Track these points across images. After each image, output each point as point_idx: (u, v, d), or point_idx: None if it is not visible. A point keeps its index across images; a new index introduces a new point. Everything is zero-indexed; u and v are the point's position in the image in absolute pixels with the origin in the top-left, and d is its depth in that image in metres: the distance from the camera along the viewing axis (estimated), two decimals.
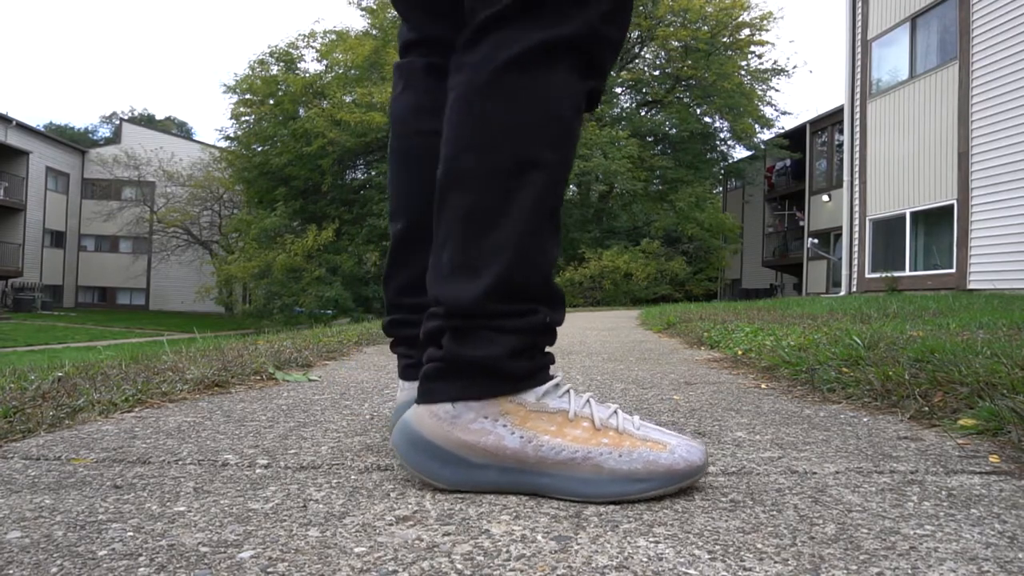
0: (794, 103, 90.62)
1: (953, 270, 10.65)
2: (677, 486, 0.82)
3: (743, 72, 22.64)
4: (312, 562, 0.62)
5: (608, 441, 0.83)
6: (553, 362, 0.90)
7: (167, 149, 33.68)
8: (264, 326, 16.73)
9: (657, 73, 23.71)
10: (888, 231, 12.55)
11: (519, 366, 0.84)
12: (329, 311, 20.21)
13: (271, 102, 23.89)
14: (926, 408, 1.36)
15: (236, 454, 1.05)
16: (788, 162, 23.48)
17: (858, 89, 13.32)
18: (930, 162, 11.40)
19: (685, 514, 0.76)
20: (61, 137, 39.29)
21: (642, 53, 23.87)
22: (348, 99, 22.05)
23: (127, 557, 0.63)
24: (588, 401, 0.87)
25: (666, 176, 22.47)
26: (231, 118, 25.46)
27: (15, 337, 18.04)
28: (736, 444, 1.13)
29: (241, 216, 26.77)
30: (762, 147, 23.99)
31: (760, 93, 22.96)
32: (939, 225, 11.28)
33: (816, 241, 18.97)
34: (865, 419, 1.36)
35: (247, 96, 24.50)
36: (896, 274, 11.92)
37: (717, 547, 0.66)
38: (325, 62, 24.40)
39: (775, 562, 0.63)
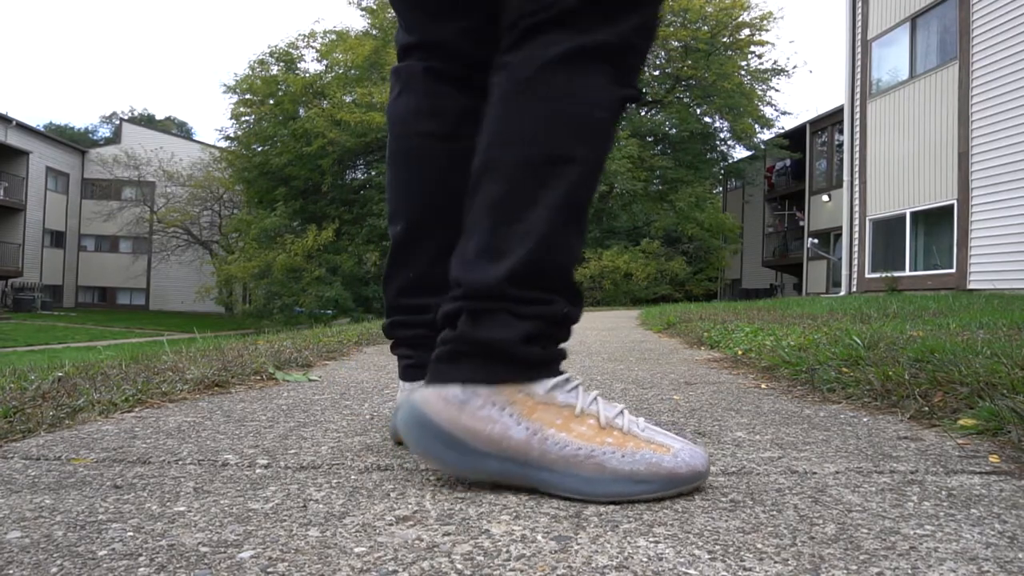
0: (794, 103, 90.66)
1: (953, 270, 10.65)
2: (677, 490, 0.82)
3: (743, 72, 22.63)
4: (312, 562, 0.62)
5: (612, 440, 0.83)
6: (565, 357, 0.90)
7: (167, 149, 33.68)
8: (264, 326, 16.73)
9: (657, 73, 23.69)
10: (888, 231, 12.55)
11: (531, 352, 0.84)
12: (329, 311, 20.21)
13: (271, 102, 23.89)
14: (926, 408, 1.36)
15: (236, 454, 1.05)
16: (788, 162, 23.47)
17: (858, 89, 13.32)
18: (930, 162, 11.40)
19: (685, 514, 0.76)
20: (61, 137, 39.30)
21: None
22: (348, 99, 22.06)
23: (127, 557, 0.63)
24: (596, 399, 0.87)
25: (666, 176, 22.47)
26: (231, 118, 25.48)
27: (15, 337, 18.04)
28: (736, 444, 1.13)
29: (241, 216, 26.77)
30: (762, 147, 23.98)
31: (760, 93, 22.95)
32: (939, 225, 11.28)
33: (816, 241, 18.97)
34: (865, 419, 1.36)
35: (247, 96, 24.49)
36: (896, 274, 11.92)
37: (717, 547, 0.66)
38: (325, 62, 24.40)
39: (775, 562, 0.63)
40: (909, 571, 0.61)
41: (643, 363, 2.68)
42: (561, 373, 0.88)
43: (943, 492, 0.85)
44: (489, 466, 0.83)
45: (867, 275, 12.81)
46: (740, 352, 2.71)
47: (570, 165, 0.85)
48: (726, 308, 7.36)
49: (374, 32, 23.51)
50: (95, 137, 59.57)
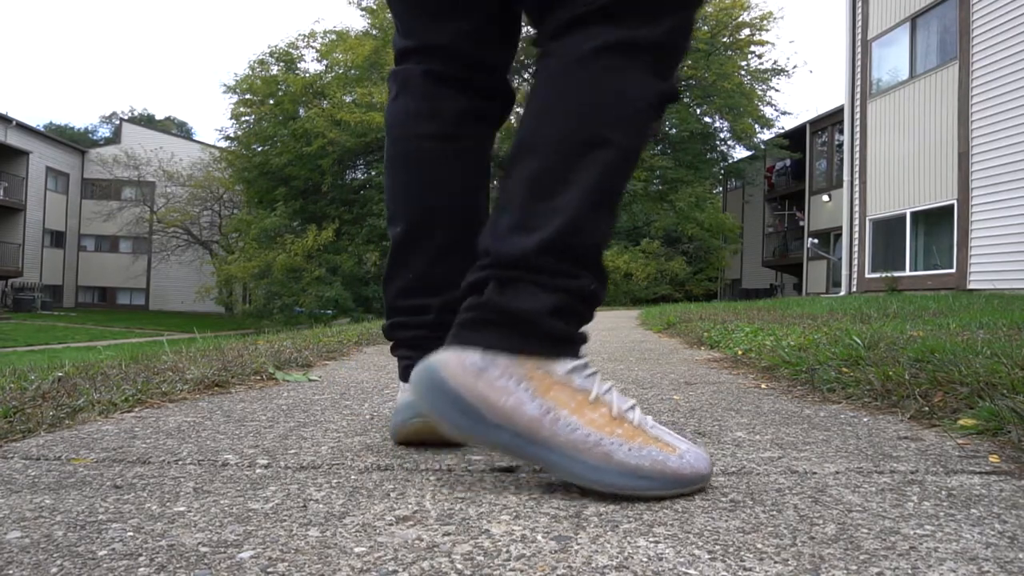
0: (794, 103, 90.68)
1: (953, 270, 10.65)
2: (679, 491, 0.82)
3: (743, 72, 22.61)
4: (312, 562, 0.62)
5: (622, 432, 0.83)
6: (586, 340, 0.90)
7: (167, 149, 33.67)
8: (264, 326, 16.73)
9: None
10: (888, 231, 12.55)
11: (556, 326, 0.85)
12: (329, 311, 20.20)
13: (271, 102, 23.87)
14: (926, 408, 1.36)
15: (236, 454, 1.05)
16: (788, 162, 23.47)
17: (858, 89, 13.32)
18: (930, 162, 11.40)
19: (685, 514, 0.76)
20: (61, 137, 39.30)
21: None
22: (348, 99, 22.04)
23: (127, 557, 0.63)
24: (611, 389, 0.87)
25: (666, 176, 22.46)
26: (231, 118, 25.44)
27: (15, 337, 18.04)
28: (736, 444, 1.13)
29: (241, 216, 26.76)
30: (762, 147, 23.97)
31: (760, 93, 22.93)
32: (939, 225, 11.28)
33: (816, 241, 18.97)
34: (865, 419, 1.36)
35: (247, 96, 24.47)
36: (896, 274, 11.92)
37: (717, 547, 0.66)
38: (325, 62, 24.38)
39: (775, 562, 0.63)
40: (909, 571, 0.61)
41: (643, 363, 2.68)
42: (580, 357, 0.88)
43: (943, 492, 0.85)
44: (498, 437, 0.82)
45: (867, 275, 12.81)
46: (740, 352, 2.71)
47: (607, 149, 0.87)
48: (726, 308, 7.36)
49: (374, 32, 23.49)
50: (95, 137, 59.61)
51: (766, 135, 23.41)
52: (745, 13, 22.20)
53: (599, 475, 0.80)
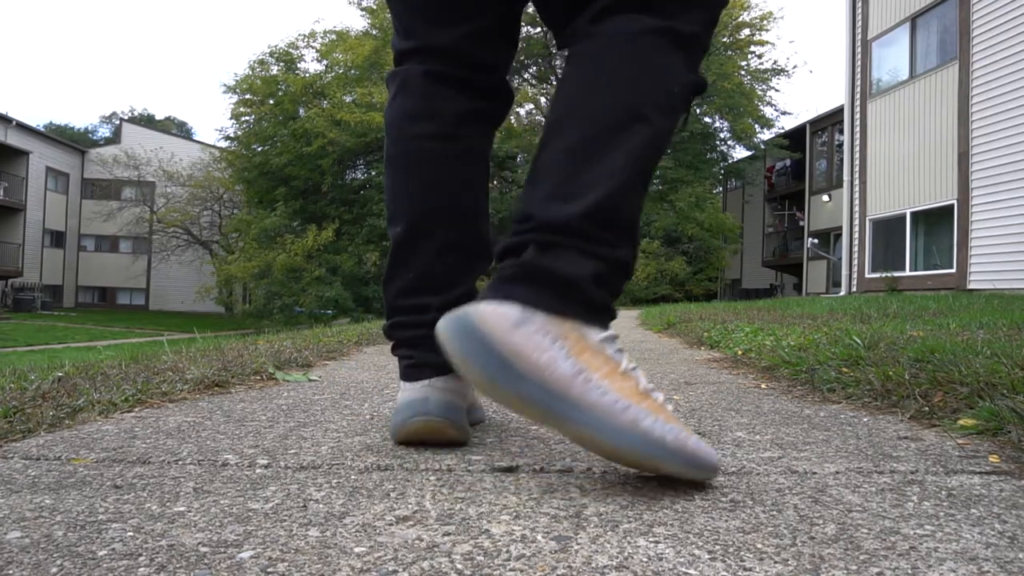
0: (794, 103, 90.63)
1: (953, 270, 10.65)
2: (693, 474, 0.84)
3: (743, 72, 22.61)
4: (312, 562, 0.62)
5: (648, 405, 0.83)
6: (615, 317, 0.91)
7: (167, 149, 33.67)
8: (264, 326, 16.73)
9: None
10: (888, 231, 12.55)
11: (596, 293, 0.86)
12: (329, 311, 20.20)
13: (271, 102, 23.87)
14: (926, 408, 1.36)
15: (236, 454, 1.05)
16: (788, 162, 23.47)
17: (858, 89, 13.32)
18: (930, 162, 11.40)
19: (685, 514, 0.76)
20: (61, 137, 39.30)
21: None
22: (348, 99, 22.05)
23: (127, 557, 0.63)
24: (636, 368, 0.88)
25: (666, 176, 22.45)
26: (231, 118, 25.45)
27: (15, 337, 18.04)
28: (736, 444, 1.13)
29: (241, 216, 26.76)
30: (762, 147, 23.97)
31: (760, 93, 22.94)
32: (939, 225, 11.28)
33: (816, 241, 18.97)
34: (865, 419, 1.36)
35: (247, 96, 24.47)
36: (896, 274, 11.92)
37: (717, 547, 0.66)
38: (325, 62, 24.39)
39: (775, 562, 0.63)
40: (909, 571, 0.61)
41: (643, 363, 2.68)
42: (609, 330, 0.89)
43: (943, 492, 0.85)
44: (526, 389, 0.81)
45: (867, 275, 12.81)
46: (740, 352, 2.71)
47: (646, 125, 0.90)
48: (726, 308, 7.36)
49: (374, 32, 23.49)
50: (95, 137, 59.62)
51: (766, 135, 23.42)
52: (745, 13, 22.21)
53: (623, 439, 0.80)
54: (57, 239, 33.55)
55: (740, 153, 25.02)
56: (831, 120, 19.90)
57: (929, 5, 11.58)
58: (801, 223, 22.07)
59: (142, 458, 1.02)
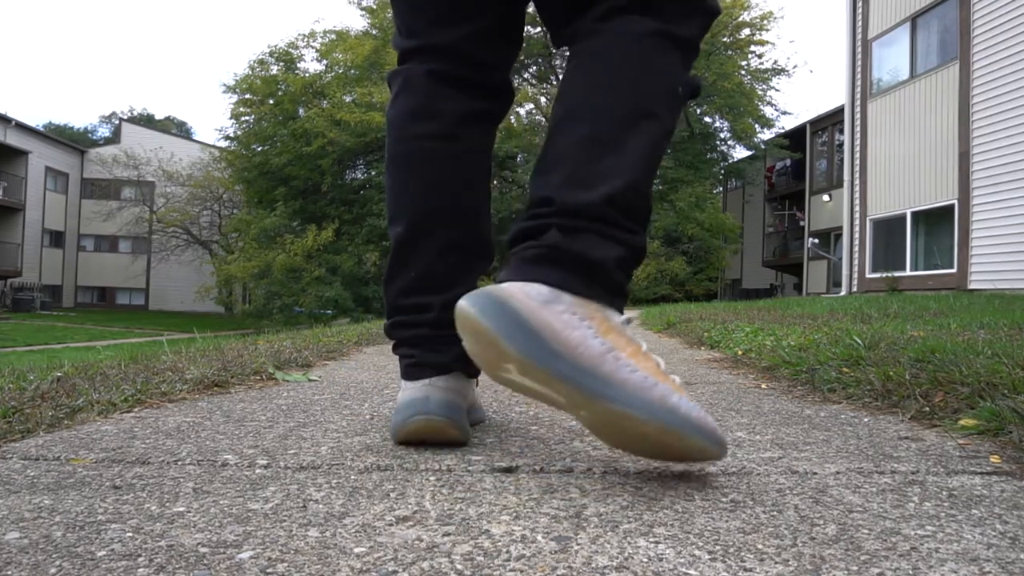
0: (794, 103, 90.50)
1: (954, 270, 10.65)
2: (711, 448, 0.84)
3: (743, 72, 22.59)
4: (312, 562, 0.62)
5: (670, 385, 0.85)
6: (627, 301, 0.94)
7: (167, 149, 33.67)
8: (264, 326, 16.73)
9: None
10: (889, 231, 12.55)
11: (618, 277, 0.89)
12: (329, 311, 20.19)
13: (271, 102, 23.86)
14: (927, 408, 1.35)
15: (236, 454, 1.05)
16: (788, 162, 23.47)
17: (858, 89, 13.32)
18: (931, 162, 11.40)
19: (685, 514, 0.76)
20: (60, 137, 39.30)
21: None
22: (348, 99, 22.04)
23: (126, 558, 0.63)
24: (651, 351, 0.90)
25: (666, 176, 22.44)
26: (231, 118, 25.43)
27: (14, 337, 18.04)
28: (736, 444, 1.13)
29: (241, 216, 26.75)
30: (762, 147, 23.96)
31: (760, 93, 22.92)
32: (940, 225, 11.28)
33: (816, 241, 18.97)
34: (866, 419, 1.36)
35: (247, 96, 24.46)
36: (897, 274, 11.92)
37: (717, 547, 0.66)
38: (325, 62, 24.38)
39: (775, 563, 0.62)
40: (910, 572, 0.61)
41: None
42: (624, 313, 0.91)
43: (944, 492, 0.85)
44: (558, 366, 0.81)
45: (868, 275, 12.81)
46: (740, 352, 2.71)
47: (652, 121, 0.93)
48: (726, 308, 7.36)
49: (374, 32, 23.48)
50: (94, 137, 59.61)
51: (766, 135, 23.41)
52: (745, 13, 22.19)
53: (655, 414, 0.81)
54: (56, 239, 33.55)
55: (740, 153, 25.03)
56: (831, 120, 19.91)
57: (929, 5, 11.58)
58: (801, 223, 22.07)
59: (141, 458, 1.02)
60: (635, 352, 0.85)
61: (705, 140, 23.65)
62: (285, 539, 0.68)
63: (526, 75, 23.15)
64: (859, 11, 13.38)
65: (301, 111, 23.35)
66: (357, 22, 44.11)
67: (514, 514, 0.76)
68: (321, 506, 0.79)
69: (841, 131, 15.84)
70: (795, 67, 43.16)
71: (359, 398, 1.68)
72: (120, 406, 1.47)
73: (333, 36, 24.22)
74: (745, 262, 27.65)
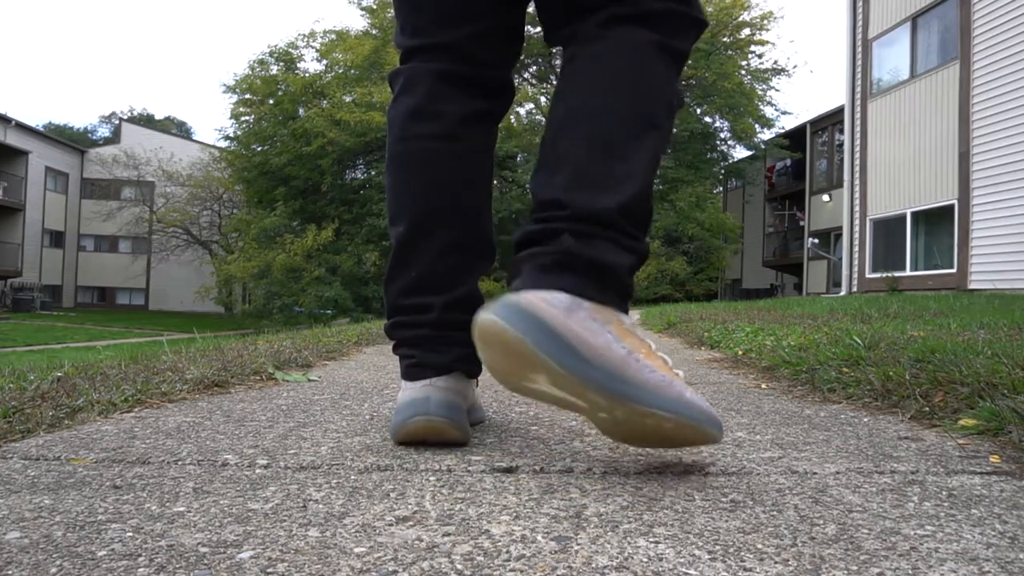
0: (794, 103, 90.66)
1: (954, 270, 10.65)
2: (716, 434, 0.90)
3: (743, 72, 22.60)
4: (312, 562, 0.62)
5: (678, 381, 0.88)
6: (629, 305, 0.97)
7: (166, 149, 33.67)
8: (264, 326, 16.74)
9: None
10: (889, 231, 12.55)
11: (630, 283, 0.92)
12: (329, 311, 20.19)
13: (271, 102, 23.87)
14: (927, 408, 1.35)
15: (236, 454, 1.05)
16: (788, 162, 23.47)
17: (858, 89, 13.32)
18: (931, 162, 11.40)
19: (685, 514, 0.76)
20: (60, 137, 39.31)
21: None
22: (348, 99, 22.04)
23: (126, 557, 0.63)
24: (656, 349, 0.93)
25: (666, 176, 22.45)
26: (231, 118, 25.46)
27: (14, 337, 18.04)
28: (736, 444, 1.13)
29: (241, 216, 26.76)
30: (762, 147, 23.97)
31: (760, 93, 22.93)
32: (940, 225, 11.28)
33: (816, 241, 18.97)
34: (866, 419, 1.36)
35: (247, 96, 24.47)
36: (897, 274, 11.92)
37: (717, 547, 0.66)
38: (325, 62, 24.39)
39: (775, 562, 0.62)
40: (910, 571, 0.61)
41: None
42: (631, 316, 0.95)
43: (944, 492, 0.85)
44: (589, 373, 0.83)
45: (868, 275, 12.80)
46: (740, 352, 2.71)
47: (655, 129, 0.95)
48: (726, 308, 7.36)
49: (374, 32, 23.49)
50: (94, 137, 59.61)
51: (766, 135, 23.42)
52: (745, 13, 22.20)
53: (679, 409, 0.85)
54: (56, 239, 33.55)
55: (740, 153, 25.04)
56: (831, 120, 19.91)
57: (930, 5, 11.58)
58: (801, 223, 22.07)
59: (141, 458, 1.02)
60: (648, 353, 0.88)
61: (705, 140, 23.65)
62: (285, 539, 0.68)
63: (526, 75, 23.14)
64: (859, 11, 13.38)
65: (301, 111, 23.35)
66: (357, 22, 44.11)
67: (514, 514, 0.76)
68: (321, 506, 0.79)
69: (841, 131, 15.84)
70: (795, 67, 43.23)
71: (359, 398, 1.68)
72: (120, 406, 1.47)
73: (333, 36, 24.23)
74: (745, 262, 27.66)
